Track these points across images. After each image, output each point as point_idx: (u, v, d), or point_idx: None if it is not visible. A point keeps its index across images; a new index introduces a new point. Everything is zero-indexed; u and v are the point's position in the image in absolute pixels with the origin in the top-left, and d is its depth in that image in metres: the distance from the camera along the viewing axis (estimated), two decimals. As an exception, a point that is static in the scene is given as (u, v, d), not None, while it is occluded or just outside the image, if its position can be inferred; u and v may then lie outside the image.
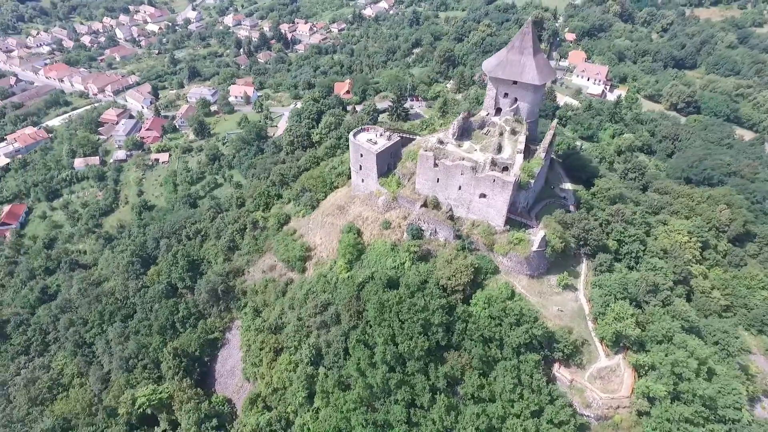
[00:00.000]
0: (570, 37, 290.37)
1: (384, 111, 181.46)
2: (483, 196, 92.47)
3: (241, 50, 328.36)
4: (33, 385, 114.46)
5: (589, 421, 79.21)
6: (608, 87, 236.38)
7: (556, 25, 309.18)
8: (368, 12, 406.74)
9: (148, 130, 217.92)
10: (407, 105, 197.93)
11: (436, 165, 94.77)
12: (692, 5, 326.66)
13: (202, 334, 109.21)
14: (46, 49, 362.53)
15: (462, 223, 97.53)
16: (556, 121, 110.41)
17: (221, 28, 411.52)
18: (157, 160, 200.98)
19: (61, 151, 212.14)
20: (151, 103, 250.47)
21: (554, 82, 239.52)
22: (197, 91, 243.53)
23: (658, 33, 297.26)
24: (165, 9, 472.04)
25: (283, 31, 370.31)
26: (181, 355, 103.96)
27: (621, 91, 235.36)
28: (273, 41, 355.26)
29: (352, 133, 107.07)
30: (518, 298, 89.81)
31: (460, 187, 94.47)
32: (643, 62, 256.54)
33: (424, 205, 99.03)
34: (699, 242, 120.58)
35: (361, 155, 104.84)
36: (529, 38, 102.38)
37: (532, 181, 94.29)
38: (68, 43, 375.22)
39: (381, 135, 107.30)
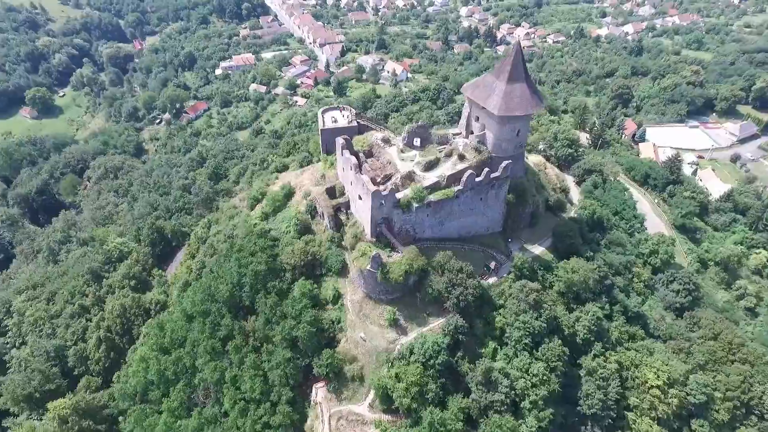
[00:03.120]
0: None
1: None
2: (360, 198, 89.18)
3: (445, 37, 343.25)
4: (100, 210, 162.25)
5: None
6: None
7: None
8: (601, 32, 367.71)
9: (307, 78, 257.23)
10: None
11: (342, 154, 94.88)
12: None
13: (178, 225, 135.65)
14: (313, 2, 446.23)
15: (351, 218, 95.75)
16: (507, 162, 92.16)
17: (453, 15, 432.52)
18: (296, 102, 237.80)
19: (250, 76, 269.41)
20: (335, 59, 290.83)
21: (735, 161, 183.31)
22: (364, 60, 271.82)
23: None
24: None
25: (496, 30, 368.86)
26: (155, 230, 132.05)
27: None
28: (481, 37, 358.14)
29: (321, 110, 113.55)
30: (338, 307, 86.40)
31: (351, 183, 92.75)
32: None
33: (331, 189, 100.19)
34: (686, 404, 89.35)
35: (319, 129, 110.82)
36: (509, 62, 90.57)
37: (416, 205, 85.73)
38: (331, 1, 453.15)
39: (346, 117, 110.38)
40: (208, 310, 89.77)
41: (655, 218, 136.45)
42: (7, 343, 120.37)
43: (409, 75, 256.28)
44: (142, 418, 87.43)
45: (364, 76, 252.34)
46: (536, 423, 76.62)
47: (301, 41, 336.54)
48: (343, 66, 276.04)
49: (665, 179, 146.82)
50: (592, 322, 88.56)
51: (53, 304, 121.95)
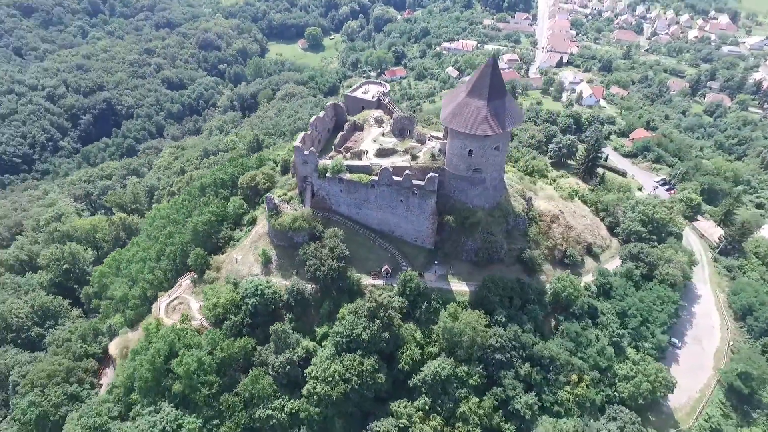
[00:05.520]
0: None
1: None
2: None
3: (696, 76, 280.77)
4: (259, 118, 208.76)
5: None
6: None
7: None
8: None
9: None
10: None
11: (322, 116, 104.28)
12: None
13: (271, 142, 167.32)
14: (587, 11, 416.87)
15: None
16: (432, 175, 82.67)
17: (753, 61, 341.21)
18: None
19: (453, 60, 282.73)
20: (545, 67, 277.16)
21: None
22: (565, 75, 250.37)
23: None
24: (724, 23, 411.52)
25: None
26: (255, 139, 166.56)
27: None
28: (761, 93, 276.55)
29: (362, 81, 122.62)
30: (247, 230, 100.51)
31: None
32: None
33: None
34: None
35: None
36: (476, 75, 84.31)
37: (329, 174, 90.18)
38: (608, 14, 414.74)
39: (375, 91, 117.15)
40: (192, 193, 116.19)
41: (709, 362, 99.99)
42: (149, 175, 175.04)
43: (602, 103, 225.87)
44: (134, 245, 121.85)
45: (551, 89, 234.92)
46: (305, 407, 77.96)
47: (534, 44, 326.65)
48: (544, 74, 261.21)
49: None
50: (430, 376, 79.48)
51: (175, 160, 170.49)
